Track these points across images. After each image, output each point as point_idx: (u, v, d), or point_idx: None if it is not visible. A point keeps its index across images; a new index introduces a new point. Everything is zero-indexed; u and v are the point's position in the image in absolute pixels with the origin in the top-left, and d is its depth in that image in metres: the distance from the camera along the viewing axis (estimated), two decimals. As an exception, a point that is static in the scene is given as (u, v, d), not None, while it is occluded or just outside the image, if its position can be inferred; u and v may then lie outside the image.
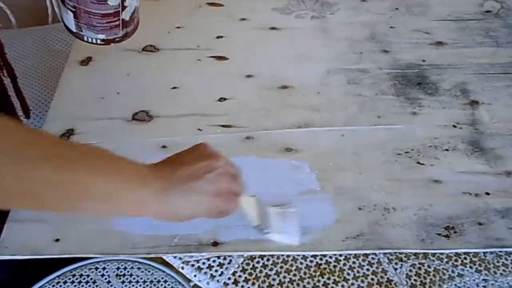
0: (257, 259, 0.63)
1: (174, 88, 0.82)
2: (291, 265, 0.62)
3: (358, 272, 0.62)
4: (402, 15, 0.99)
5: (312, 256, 0.63)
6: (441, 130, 0.78)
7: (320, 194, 0.68)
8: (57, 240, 0.61)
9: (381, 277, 0.62)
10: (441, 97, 0.83)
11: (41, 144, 0.42)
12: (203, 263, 0.62)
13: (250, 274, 0.61)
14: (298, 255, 0.63)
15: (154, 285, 0.76)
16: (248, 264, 0.62)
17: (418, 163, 0.73)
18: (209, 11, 0.97)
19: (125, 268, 0.78)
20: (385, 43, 0.92)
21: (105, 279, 0.76)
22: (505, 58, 0.91)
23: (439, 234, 0.65)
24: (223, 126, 0.76)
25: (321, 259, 0.63)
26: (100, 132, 0.74)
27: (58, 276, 0.77)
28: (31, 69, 1.23)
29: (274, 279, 0.61)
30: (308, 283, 0.61)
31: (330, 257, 0.63)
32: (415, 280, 0.62)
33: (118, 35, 0.74)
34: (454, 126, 0.79)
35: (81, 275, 0.77)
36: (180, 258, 0.62)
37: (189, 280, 0.71)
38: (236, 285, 0.60)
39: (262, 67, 0.87)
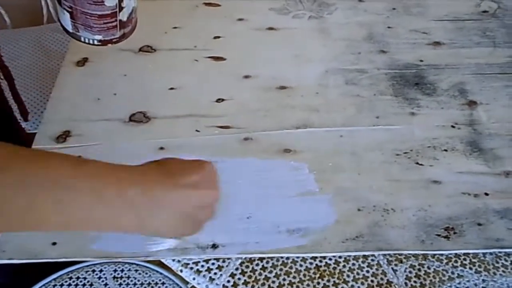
0: (256, 262, 0.62)
1: (171, 89, 0.81)
2: (291, 267, 0.62)
3: (358, 274, 0.62)
4: (399, 15, 0.99)
5: (311, 258, 0.63)
6: (439, 130, 0.78)
7: (319, 195, 0.68)
8: (54, 243, 0.61)
9: (381, 278, 0.62)
10: (439, 97, 0.83)
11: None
12: (202, 266, 0.61)
13: (250, 276, 0.61)
14: (298, 257, 0.63)
15: (152, 287, 0.76)
16: (247, 266, 0.62)
17: (417, 163, 0.73)
18: (206, 11, 0.97)
19: (122, 271, 0.77)
20: (383, 43, 0.92)
21: (102, 281, 0.76)
22: (503, 58, 0.91)
23: (439, 235, 0.65)
24: (221, 127, 0.76)
25: (320, 261, 0.63)
26: (97, 134, 0.73)
27: (55, 279, 0.76)
28: (26, 70, 1.22)
29: (273, 282, 0.61)
30: (308, 285, 0.61)
31: (330, 259, 0.63)
32: (415, 282, 0.61)
33: (116, 36, 0.73)
34: (453, 127, 0.78)
35: (77, 278, 0.76)
36: (179, 261, 0.61)
37: (186, 282, 0.71)
38: (236, 288, 0.60)
39: (260, 67, 0.86)
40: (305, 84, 0.83)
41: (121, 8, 0.70)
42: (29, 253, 0.60)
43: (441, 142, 0.76)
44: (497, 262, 0.64)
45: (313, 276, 0.61)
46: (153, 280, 0.76)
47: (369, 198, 0.68)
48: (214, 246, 0.62)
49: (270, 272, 0.61)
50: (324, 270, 0.62)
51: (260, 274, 0.61)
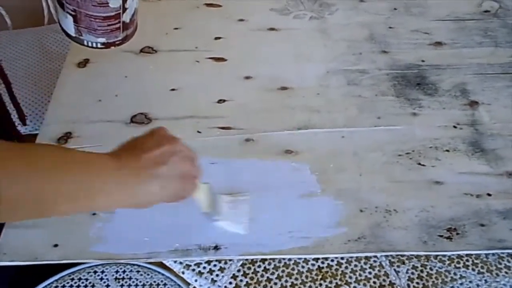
0: (258, 263, 0.62)
1: (172, 90, 0.81)
2: (293, 269, 0.62)
3: (360, 275, 0.62)
4: (400, 15, 0.99)
5: (313, 259, 0.63)
6: (441, 130, 0.77)
7: (321, 196, 0.68)
8: (56, 245, 0.61)
9: (383, 280, 0.61)
10: (440, 97, 0.83)
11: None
12: (204, 268, 0.61)
13: (252, 278, 0.61)
14: (300, 259, 0.63)
15: (154, 288, 0.76)
16: (249, 268, 0.62)
17: (419, 164, 0.72)
18: (207, 12, 0.97)
19: (124, 272, 0.77)
20: (384, 43, 0.92)
21: (104, 282, 0.76)
22: (504, 58, 0.91)
23: (441, 236, 0.64)
24: (222, 128, 0.76)
25: (322, 263, 0.63)
26: (98, 135, 0.73)
27: (57, 280, 0.76)
28: (27, 71, 1.22)
29: (275, 283, 0.60)
30: (310, 287, 0.60)
31: (332, 261, 0.63)
32: (417, 283, 0.61)
33: (119, 38, 0.73)
34: (455, 127, 0.78)
35: (79, 279, 0.76)
36: (181, 263, 0.61)
37: (188, 284, 0.71)
38: (237, 289, 0.60)
39: (261, 68, 0.86)
40: (306, 85, 0.83)
41: (124, 10, 0.70)
42: (30, 255, 0.60)
43: (443, 142, 0.76)
44: (500, 263, 0.64)
45: (315, 277, 0.61)
46: (154, 281, 0.76)
47: (371, 199, 0.68)
48: (216, 248, 0.61)
49: (272, 273, 0.61)
50: (326, 272, 0.62)
51: (262, 276, 0.61)
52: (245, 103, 0.80)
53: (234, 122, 0.77)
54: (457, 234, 0.65)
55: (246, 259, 0.62)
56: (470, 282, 0.62)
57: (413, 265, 0.63)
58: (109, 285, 0.75)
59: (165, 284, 0.76)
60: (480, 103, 0.82)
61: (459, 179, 0.71)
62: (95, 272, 0.77)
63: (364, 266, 0.62)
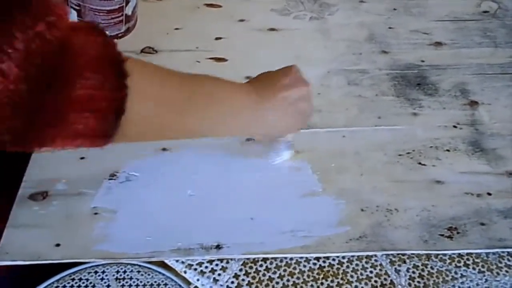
0: (260, 262, 0.62)
1: (173, 90, 0.81)
2: (294, 268, 0.62)
3: (361, 274, 0.62)
4: (400, 15, 0.99)
5: (315, 258, 0.63)
6: (441, 130, 0.78)
7: (322, 195, 0.68)
8: (58, 245, 0.61)
9: (385, 279, 0.62)
10: (441, 97, 0.83)
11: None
12: (206, 267, 0.61)
13: (253, 277, 0.61)
14: (301, 258, 0.63)
15: (154, 288, 0.76)
16: (251, 267, 0.62)
17: (420, 164, 0.73)
18: (207, 12, 0.97)
19: (124, 272, 0.77)
20: (384, 44, 0.92)
21: (105, 283, 0.75)
22: (504, 58, 0.91)
23: (442, 235, 0.65)
24: (223, 128, 0.76)
25: (324, 262, 0.63)
26: (99, 135, 0.73)
27: (57, 281, 0.76)
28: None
29: (277, 283, 0.61)
30: (312, 286, 0.61)
31: (333, 260, 0.63)
32: (418, 282, 0.62)
33: (121, 30, 0.73)
34: (455, 127, 0.79)
35: (80, 279, 0.76)
36: (183, 262, 0.61)
37: (189, 283, 0.71)
38: (239, 289, 0.60)
39: (262, 68, 0.85)
40: (307, 85, 0.83)
41: (127, 2, 0.70)
42: (32, 254, 0.60)
43: (443, 142, 0.76)
44: (500, 262, 0.64)
45: (316, 276, 0.61)
46: (155, 281, 0.76)
47: (372, 199, 0.68)
48: (218, 247, 0.62)
49: (274, 272, 0.61)
50: (328, 271, 0.62)
51: (264, 275, 0.61)
52: (246, 103, 0.80)
53: (235, 122, 0.77)
54: (458, 233, 0.65)
55: (248, 258, 0.62)
56: (471, 281, 0.62)
57: (414, 264, 0.63)
58: (110, 285, 0.75)
59: (165, 284, 0.76)
60: (480, 103, 0.83)
61: (459, 178, 0.71)
62: (95, 272, 0.76)
63: (366, 265, 0.63)
